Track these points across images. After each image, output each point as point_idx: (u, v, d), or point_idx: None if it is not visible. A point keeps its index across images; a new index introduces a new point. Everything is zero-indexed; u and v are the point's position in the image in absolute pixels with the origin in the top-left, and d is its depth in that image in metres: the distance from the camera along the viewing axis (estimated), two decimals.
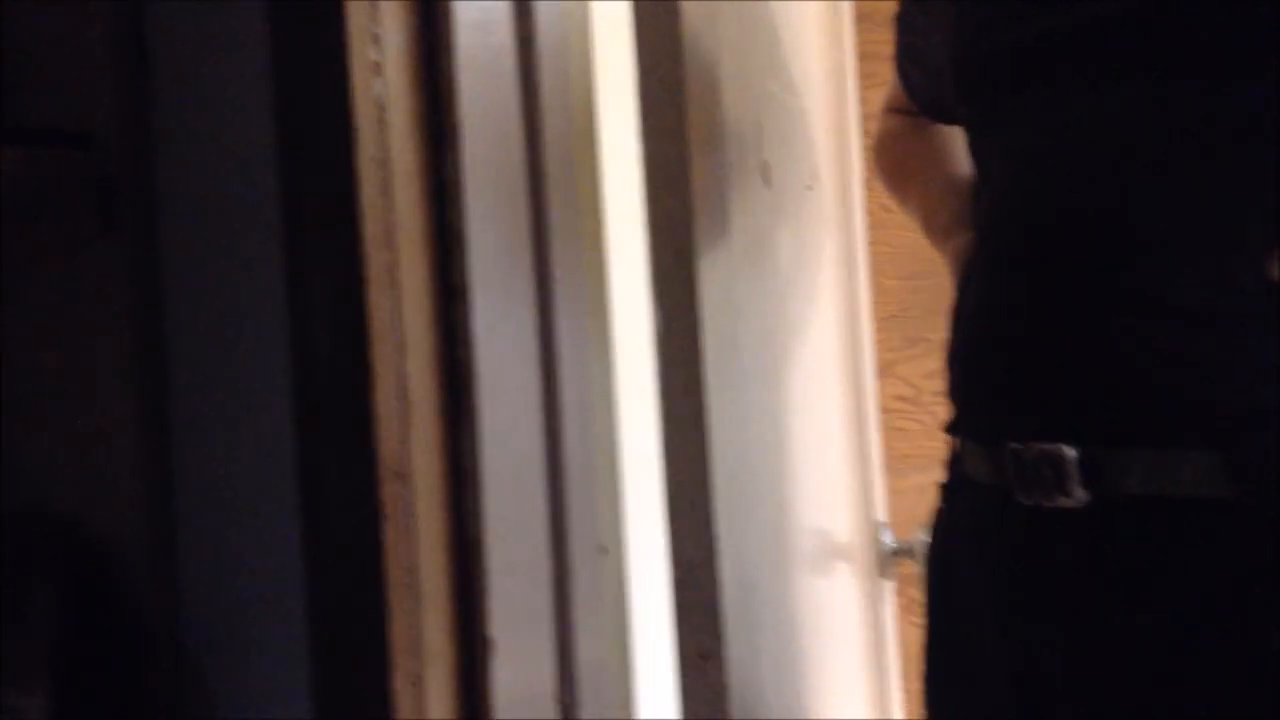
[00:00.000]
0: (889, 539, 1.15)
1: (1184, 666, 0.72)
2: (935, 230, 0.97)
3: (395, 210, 0.79)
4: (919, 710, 0.90)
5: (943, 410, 0.87)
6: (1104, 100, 0.74)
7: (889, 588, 1.16)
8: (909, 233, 1.05)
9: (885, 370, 1.30)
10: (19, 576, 0.93)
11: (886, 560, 1.15)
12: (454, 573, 0.80)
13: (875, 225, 1.18)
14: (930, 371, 1.40)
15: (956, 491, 0.86)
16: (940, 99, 0.91)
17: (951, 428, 0.86)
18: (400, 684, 0.76)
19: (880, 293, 1.26)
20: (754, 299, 1.00)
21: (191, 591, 0.94)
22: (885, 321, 1.30)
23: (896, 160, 1.00)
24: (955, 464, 0.86)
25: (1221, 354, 0.71)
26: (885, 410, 1.23)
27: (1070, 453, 0.73)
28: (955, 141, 0.95)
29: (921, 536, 0.92)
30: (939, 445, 0.89)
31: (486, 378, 0.81)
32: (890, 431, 1.25)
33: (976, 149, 0.85)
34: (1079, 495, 0.73)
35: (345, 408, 0.78)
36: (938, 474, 0.88)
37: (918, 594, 1.05)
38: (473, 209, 0.81)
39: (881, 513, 1.16)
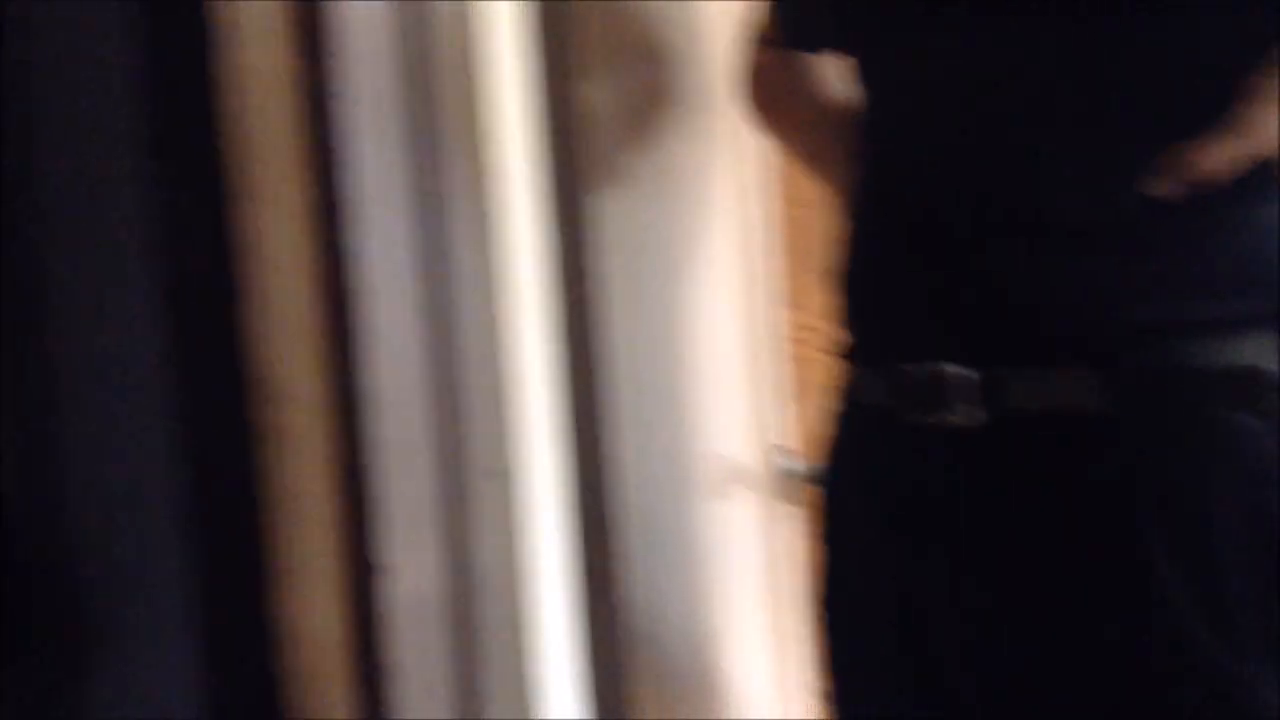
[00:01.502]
0: (786, 462, 1.16)
1: (1066, 580, 0.73)
2: (817, 161, 0.97)
3: (269, 120, 0.75)
4: (816, 632, 0.91)
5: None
6: (994, 28, 0.74)
7: (788, 511, 1.17)
8: None
9: (792, 299, 1.30)
10: None
11: (786, 484, 1.16)
12: (341, 497, 0.78)
13: (774, 150, 1.17)
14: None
15: (848, 417, 0.87)
16: (814, 31, 0.90)
17: (842, 352, 0.87)
18: (290, 608, 0.74)
19: (784, 220, 1.25)
20: (650, 219, 0.99)
21: (70, 520, 0.90)
22: (791, 250, 1.30)
23: (769, 93, 0.99)
24: (847, 390, 0.87)
25: (1102, 273, 0.73)
26: (792, 340, 1.24)
27: (960, 371, 0.74)
28: (827, 71, 0.94)
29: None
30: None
31: (370, 298, 0.79)
32: (799, 360, 1.26)
33: (865, 75, 0.85)
34: (968, 413, 0.74)
35: (218, 327, 0.75)
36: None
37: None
38: (351, 121, 0.77)
39: (781, 437, 1.17)
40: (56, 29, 0.84)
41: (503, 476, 0.86)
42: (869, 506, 0.82)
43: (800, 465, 1.16)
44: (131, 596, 0.87)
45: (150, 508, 0.84)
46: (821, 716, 1.13)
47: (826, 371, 1.30)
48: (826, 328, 1.34)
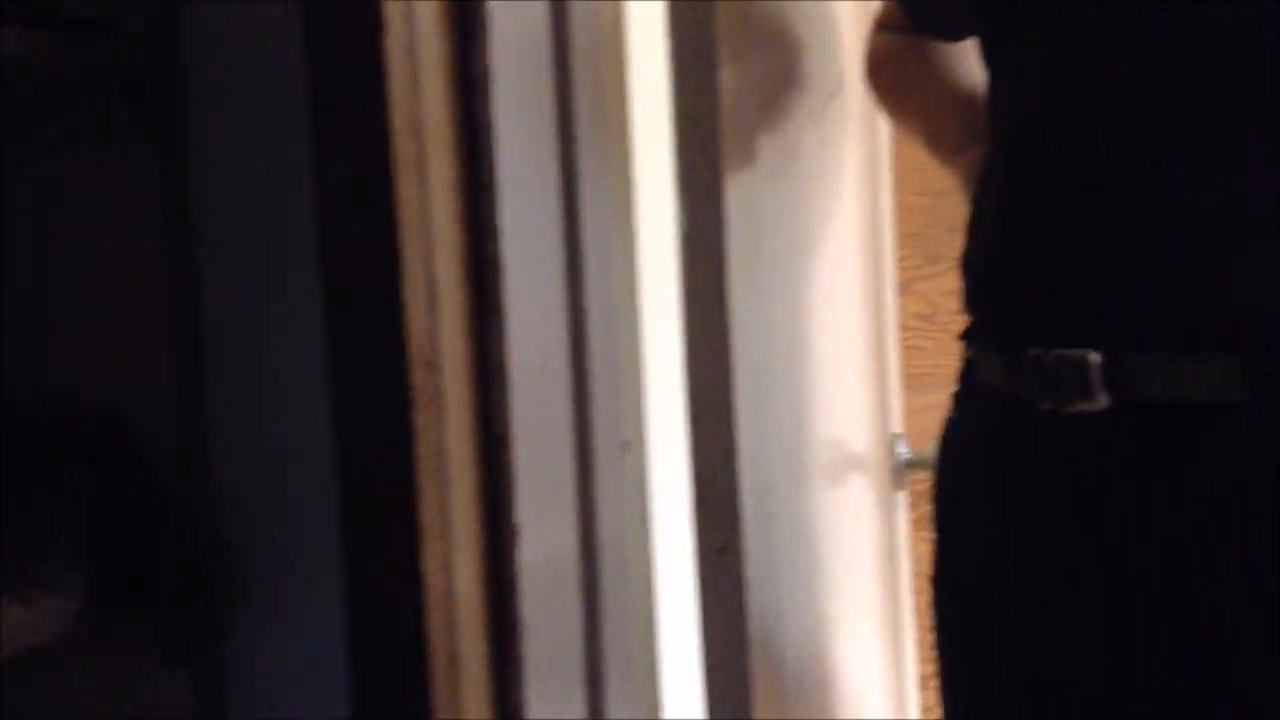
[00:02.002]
0: (904, 450, 1.16)
1: (1190, 573, 0.73)
2: (943, 145, 0.97)
3: (423, 101, 0.79)
4: (927, 617, 0.92)
5: (959, 328, 0.88)
6: (1132, 12, 0.74)
7: (903, 499, 1.18)
8: None
9: (904, 287, 1.30)
10: (54, 462, 0.95)
11: (901, 472, 1.17)
12: (481, 462, 0.82)
13: (898, 140, 1.18)
14: (949, 290, 1.39)
15: (968, 400, 0.87)
16: (940, 14, 0.90)
17: (967, 336, 0.87)
18: (430, 565, 0.78)
19: (902, 209, 1.26)
20: (778, 206, 1.01)
21: (225, 479, 0.96)
22: (906, 238, 1.30)
23: (894, 78, 0.99)
24: (968, 374, 0.87)
25: (1236, 258, 0.72)
26: (903, 328, 1.24)
27: (1092, 357, 0.74)
28: (953, 55, 0.95)
29: (935, 449, 0.93)
30: (955, 363, 0.90)
31: (513, 273, 0.82)
32: (908, 349, 1.26)
33: (994, 59, 0.85)
34: (1099, 399, 0.73)
35: (374, 298, 0.79)
36: (953, 391, 0.89)
37: (929, 508, 1.07)
38: (501, 102, 0.81)
39: (898, 426, 1.18)
40: (231, 6, 0.90)
41: (632, 448, 0.88)
42: (988, 492, 0.83)
43: (916, 453, 1.17)
44: (283, 552, 0.93)
45: (304, 467, 0.89)
46: (933, 703, 1.14)
47: (937, 360, 1.31)
48: (940, 317, 1.34)
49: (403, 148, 0.78)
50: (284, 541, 0.92)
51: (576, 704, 0.84)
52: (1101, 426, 0.74)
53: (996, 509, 0.81)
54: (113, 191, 1.00)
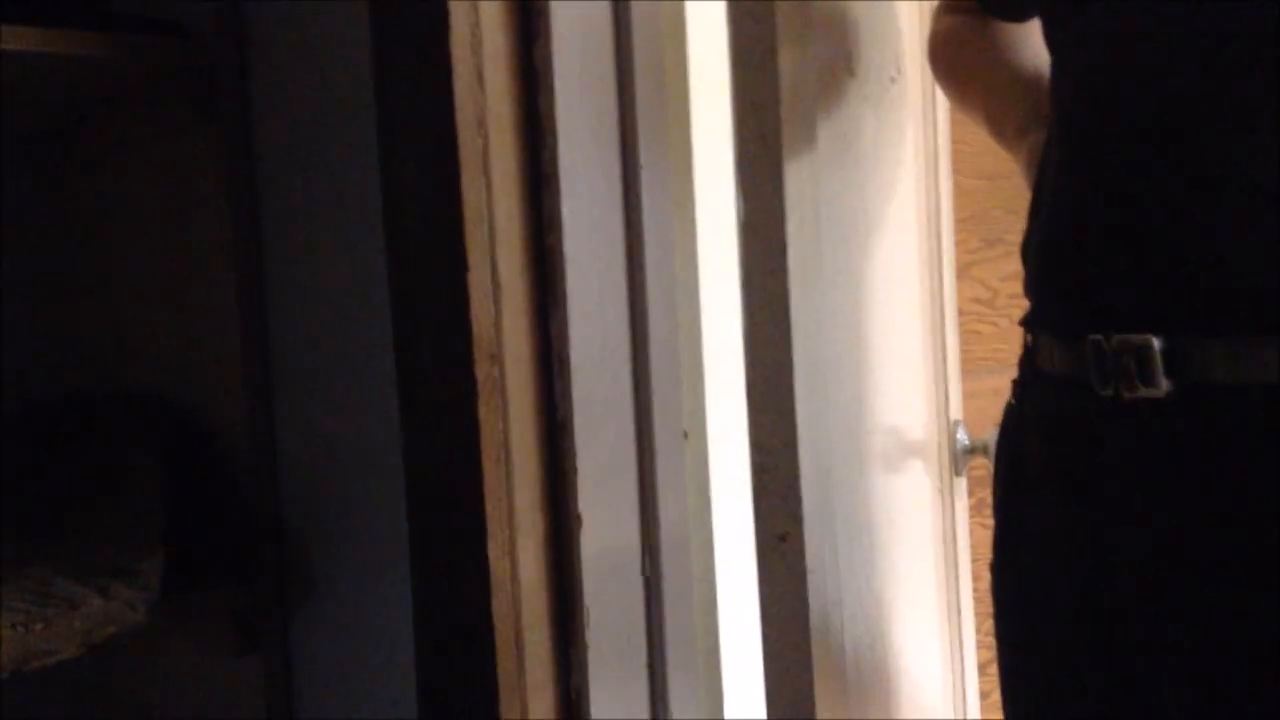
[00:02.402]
0: (963, 437, 1.16)
1: (1257, 562, 0.72)
2: (1006, 128, 0.96)
3: (487, 96, 0.79)
4: (986, 605, 0.92)
5: (1018, 313, 0.87)
6: None
7: (962, 485, 1.17)
8: None
9: (962, 272, 1.29)
10: (126, 450, 0.98)
11: (960, 458, 1.16)
12: (544, 452, 0.83)
13: (956, 123, 1.17)
14: (1007, 274, 1.39)
15: (1029, 386, 0.86)
16: None
17: (1027, 321, 0.86)
18: (495, 553, 0.79)
19: (959, 193, 1.24)
20: (837, 191, 1.00)
21: (291, 468, 0.98)
22: (964, 222, 1.29)
23: (957, 59, 0.98)
24: (1029, 359, 0.87)
25: None
26: (961, 313, 1.23)
27: (1155, 342, 0.73)
28: (1017, 37, 0.93)
29: (994, 435, 0.92)
30: (1013, 348, 0.89)
31: (574, 264, 0.82)
32: (965, 334, 1.25)
33: (1056, 39, 0.84)
34: (1163, 385, 0.73)
35: (439, 291, 0.81)
36: (1011, 377, 0.88)
37: (987, 495, 1.06)
38: (562, 96, 0.81)
39: (957, 412, 1.17)
40: (297, 6, 0.91)
41: (693, 437, 0.89)
42: (1049, 479, 0.82)
43: (974, 439, 1.16)
44: (350, 540, 0.94)
45: (371, 457, 0.91)
46: (991, 688, 1.13)
47: (996, 345, 1.30)
48: (999, 302, 1.33)
49: (467, 142, 0.79)
50: (351, 529, 0.94)
51: (638, 690, 0.85)
52: (1164, 412, 0.74)
53: (1058, 496, 0.81)
54: (182, 190, 1.02)
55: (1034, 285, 0.85)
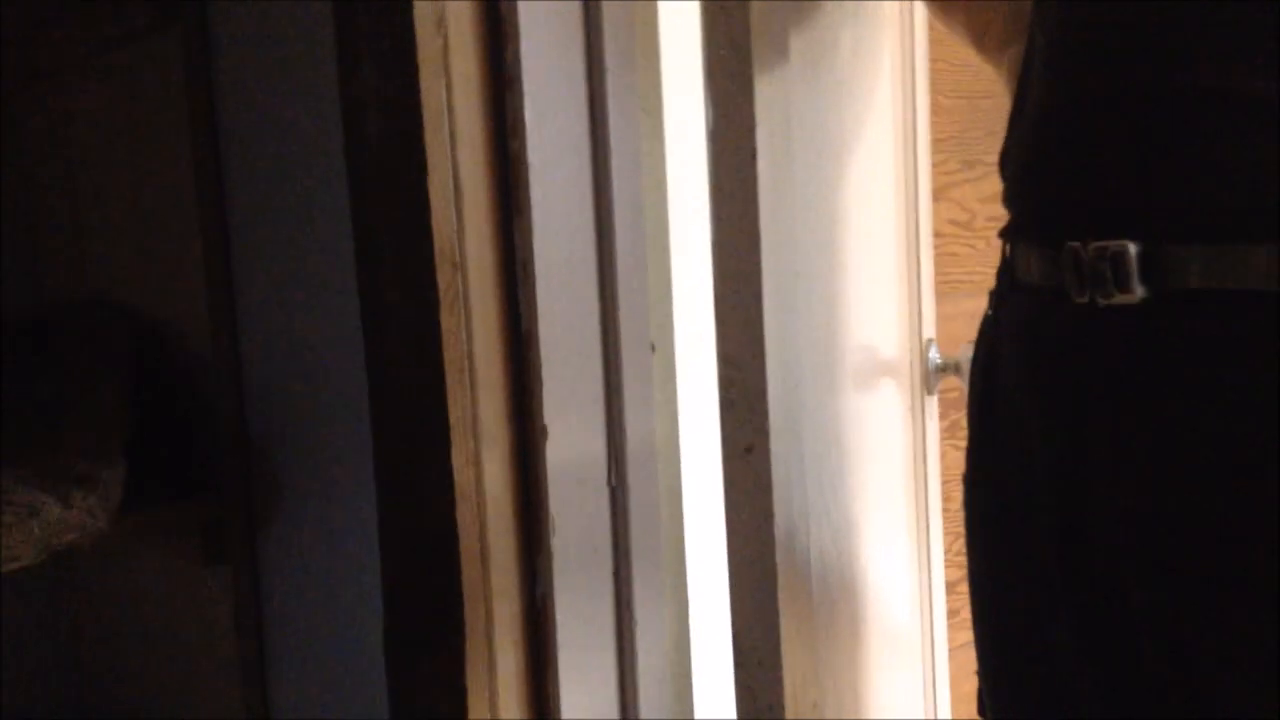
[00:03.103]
0: (936, 356, 1.15)
1: (1233, 471, 0.72)
2: (987, 41, 0.95)
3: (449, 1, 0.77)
4: (956, 524, 0.92)
5: (995, 235, 0.86)
6: None
7: (934, 405, 1.17)
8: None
9: (940, 193, 1.28)
10: (90, 361, 0.97)
11: (932, 376, 1.16)
12: (509, 363, 0.82)
13: (935, 41, 1.15)
14: (986, 196, 1.37)
15: (1006, 296, 0.86)
16: None
17: (1006, 232, 0.86)
18: (460, 463, 0.78)
19: (938, 112, 1.23)
20: (809, 104, 0.99)
21: (257, 378, 0.97)
22: (942, 143, 1.28)
23: None
24: (1006, 270, 0.86)
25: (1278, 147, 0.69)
26: (938, 235, 1.22)
27: (1132, 248, 0.72)
28: None
29: (967, 353, 0.92)
30: (991, 271, 0.88)
31: (538, 170, 0.81)
32: (942, 256, 1.24)
33: None
34: (1138, 291, 0.72)
35: (399, 197, 0.79)
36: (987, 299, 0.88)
37: (961, 417, 1.06)
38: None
39: (930, 331, 1.17)
40: None
41: (660, 350, 0.88)
42: (1025, 386, 0.82)
43: (947, 359, 1.16)
44: (315, 450, 0.94)
45: (334, 367, 0.90)
46: (958, 606, 1.14)
47: (972, 267, 1.29)
48: (976, 224, 1.32)
49: (426, 41, 0.77)
50: (318, 439, 0.93)
51: (604, 598, 0.86)
52: (1139, 318, 0.73)
53: (1033, 403, 0.80)
54: (140, 98, 1.00)
55: (1013, 195, 0.84)
